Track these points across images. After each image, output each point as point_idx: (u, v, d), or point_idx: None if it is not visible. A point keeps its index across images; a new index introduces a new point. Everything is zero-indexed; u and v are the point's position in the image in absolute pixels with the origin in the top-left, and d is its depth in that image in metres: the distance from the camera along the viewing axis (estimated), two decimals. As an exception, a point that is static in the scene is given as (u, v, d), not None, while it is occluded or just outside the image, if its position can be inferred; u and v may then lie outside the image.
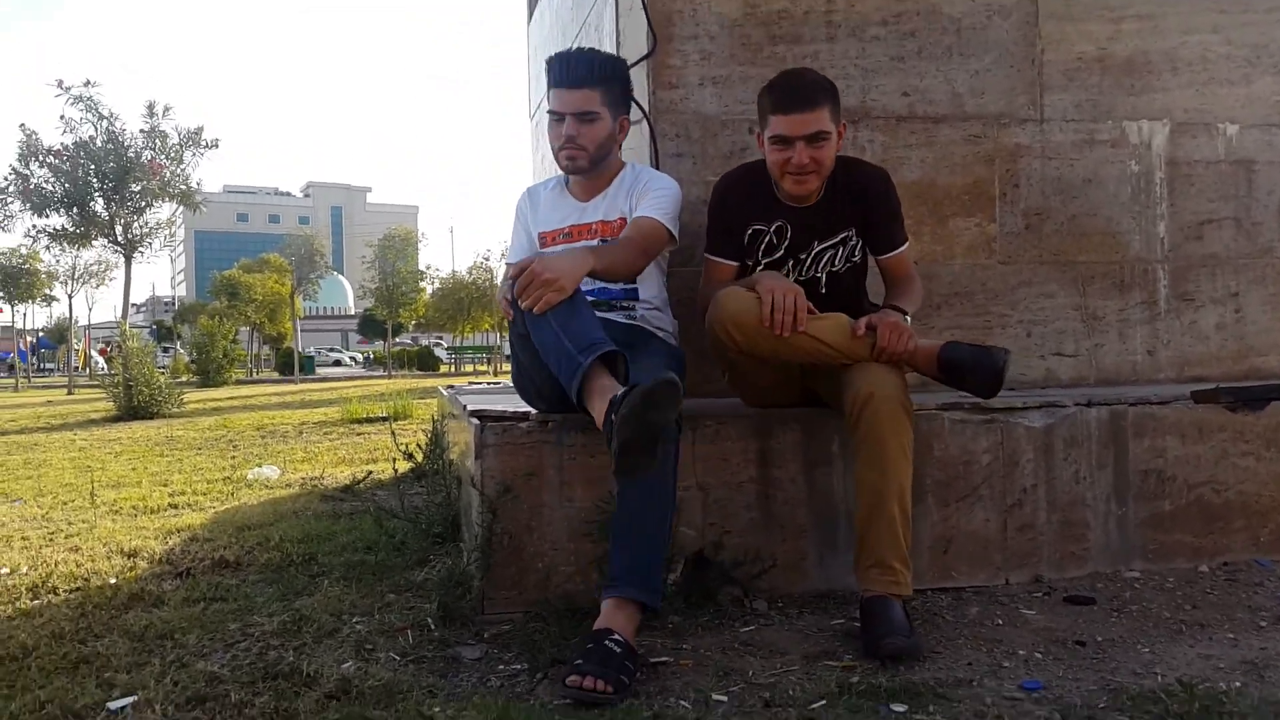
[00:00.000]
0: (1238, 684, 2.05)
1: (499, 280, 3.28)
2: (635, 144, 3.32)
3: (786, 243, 2.74)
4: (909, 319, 2.56)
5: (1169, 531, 3.00)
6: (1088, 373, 3.60)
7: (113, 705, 1.98)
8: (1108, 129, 3.64)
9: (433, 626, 2.45)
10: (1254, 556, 3.05)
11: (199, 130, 14.89)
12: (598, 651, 2.07)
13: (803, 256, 2.76)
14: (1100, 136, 3.63)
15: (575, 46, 2.97)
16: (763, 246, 2.76)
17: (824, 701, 1.97)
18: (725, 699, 2.01)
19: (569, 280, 2.28)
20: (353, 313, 66.65)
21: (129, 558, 3.41)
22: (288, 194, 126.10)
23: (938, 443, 2.84)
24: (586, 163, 2.72)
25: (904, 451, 2.38)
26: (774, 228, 2.73)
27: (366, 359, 50.33)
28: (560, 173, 2.88)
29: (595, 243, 2.72)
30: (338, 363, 52.21)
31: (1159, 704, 1.88)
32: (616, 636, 2.11)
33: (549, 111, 2.72)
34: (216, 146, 15.11)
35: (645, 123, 3.25)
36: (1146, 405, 3.02)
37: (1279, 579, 2.89)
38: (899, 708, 1.94)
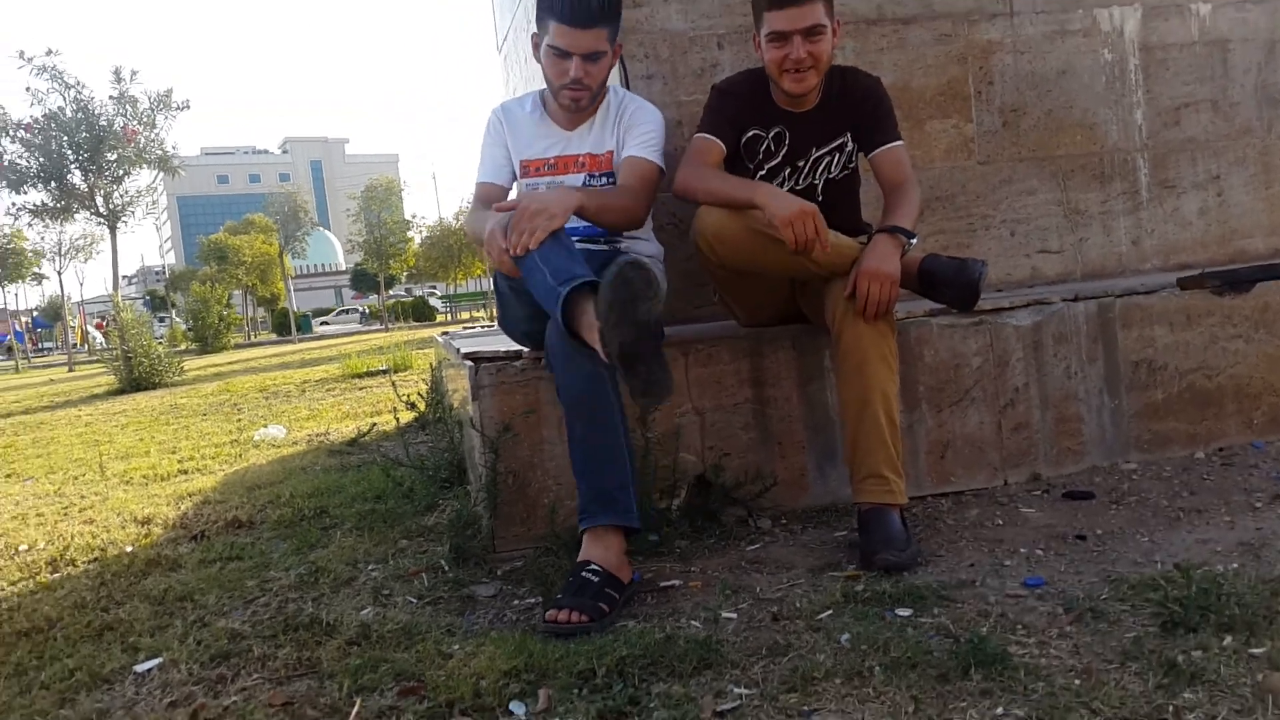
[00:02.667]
0: (1234, 565, 2.09)
1: (469, 207, 2.98)
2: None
3: (785, 149, 2.73)
4: (913, 241, 2.49)
5: (1163, 420, 3.04)
6: (1074, 268, 3.61)
7: (139, 668, 2.03)
8: (1079, 18, 3.60)
9: (446, 568, 2.49)
10: (1249, 439, 3.09)
11: (169, 93, 14.67)
12: (575, 583, 2.13)
13: (800, 164, 2.75)
14: (1072, 26, 3.59)
15: None
16: (762, 151, 2.74)
17: (830, 611, 2.02)
18: (735, 615, 2.06)
19: (559, 209, 2.26)
20: (344, 268, 66.27)
21: (143, 525, 3.45)
22: (265, 151, 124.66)
23: (928, 349, 2.87)
24: (588, 102, 2.65)
25: (886, 362, 2.40)
26: (772, 134, 2.72)
27: (362, 314, 50.17)
28: (537, 93, 2.79)
29: (582, 179, 2.68)
30: None
31: (1158, 590, 1.92)
32: (594, 566, 2.17)
33: (551, 46, 2.54)
34: (188, 108, 14.92)
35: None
36: (1133, 296, 3.04)
37: (1273, 460, 2.93)
38: (904, 612, 1.98)
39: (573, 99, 2.61)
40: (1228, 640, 1.71)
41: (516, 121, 2.78)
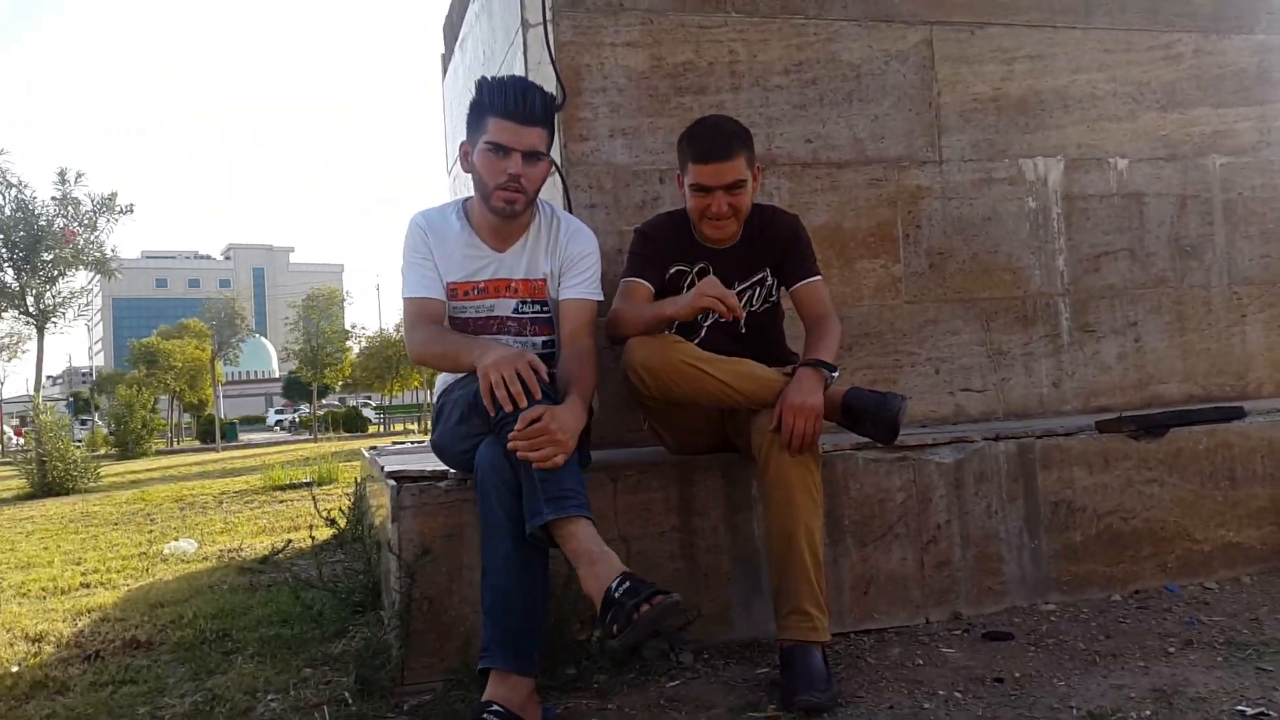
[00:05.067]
0: (1148, 713, 2.09)
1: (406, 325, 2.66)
2: (548, 195, 3.34)
3: None
4: (834, 375, 2.54)
5: (1081, 562, 3.06)
6: (996, 407, 3.68)
7: (8, 805, 1.90)
8: (1004, 167, 3.76)
9: (350, 701, 2.38)
10: (1163, 582, 3.12)
11: (113, 196, 14.65)
12: None
13: None
14: (998, 174, 3.75)
15: (512, 75, 2.60)
16: (686, 286, 2.79)
17: (747, 754, 1.97)
18: (649, 758, 2.00)
19: (574, 441, 2.21)
20: (277, 375, 65.45)
21: (34, 643, 3.27)
22: (207, 257, 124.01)
23: (853, 483, 2.87)
24: (522, 208, 2.52)
25: (811, 495, 2.41)
26: (696, 269, 2.79)
27: (292, 423, 49.23)
28: (459, 203, 2.67)
29: (513, 305, 2.63)
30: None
31: (1073, 738, 1.91)
32: (496, 707, 2.09)
33: (490, 142, 2.46)
34: (131, 212, 14.88)
35: (558, 175, 3.28)
36: (1053, 437, 3.09)
37: (1186, 604, 2.96)
38: (822, 756, 1.94)
39: (507, 201, 2.48)
40: (1143, 795, 1.69)
41: (442, 236, 2.60)
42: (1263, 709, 2.08)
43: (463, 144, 2.59)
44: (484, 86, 2.50)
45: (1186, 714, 2.08)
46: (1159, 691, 2.23)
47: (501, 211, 2.51)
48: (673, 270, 2.80)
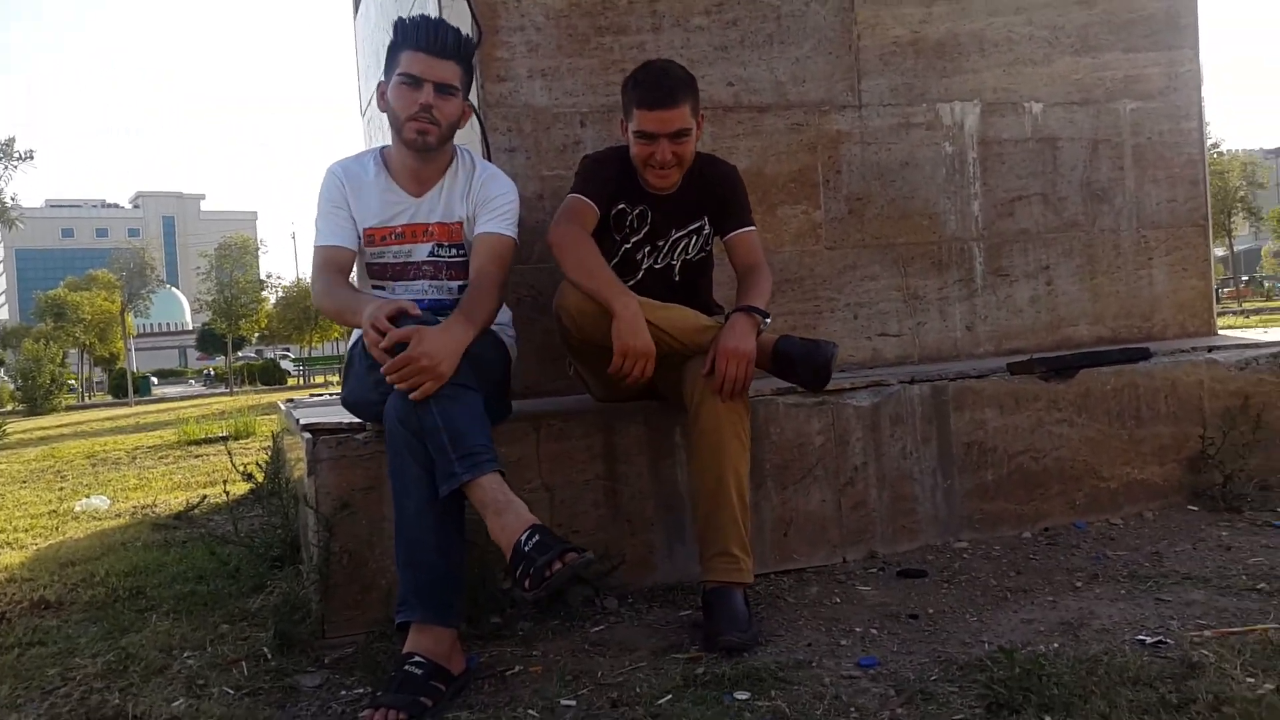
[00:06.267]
0: (1055, 645, 2.16)
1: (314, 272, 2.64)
2: (466, 139, 3.27)
3: (647, 227, 2.79)
4: (767, 320, 2.55)
5: (993, 500, 3.15)
6: (912, 351, 3.73)
7: (-91, 773, 1.84)
8: (922, 111, 3.77)
9: (269, 656, 2.35)
10: (1072, 520, 3.22)
11: (10, 141, 14.06)
12: (397, 679, 2.04)
13: (660, 243, 2.81)
14: (916, 120, 3.77)
15: (425, 14, 2.59)
16: (627, 226, 2.78)
17: (670, 696, 1.99)
18: (574, 703, 2.01)
19: (449, 364, 2.17)
20: (190, 328, 63.81)
21: (-64, 607, 3.16)
22: (115, 205, 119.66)
23: (774, 427, 2.90)
24: (435, 141, 2.50)
25: (741, 441, 2.43)
26: (636, 211, 2.77)
27: (207, 376, 47.97)
28: (376, 150, 2.66)
29: (429, 249, 2.61)
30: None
31: (985, 672, 1.97)
32: (418, 658, 2.08)
33: (402, 74, 2.47)
34: (31, 159, 14.34)
35: (475, 117, 3.20)
36: (965, 379, 3.15)
37: (1093, 540, 3.06)
38: (742, 695, 1.97)
39: (419, 132, 2.47)
40: (1048, 720, 1.75)
41: (359, 184, 2.59)
42: (1160, 637, 2.16)
43: (379, 83, 2.59)
44: (399, 25, 2.52)
45: (1091, 645, 2.15)
46: (1066, 624, 2.31)
47: (414, 144, 2.50)
48: (618, 206, 2.76)
